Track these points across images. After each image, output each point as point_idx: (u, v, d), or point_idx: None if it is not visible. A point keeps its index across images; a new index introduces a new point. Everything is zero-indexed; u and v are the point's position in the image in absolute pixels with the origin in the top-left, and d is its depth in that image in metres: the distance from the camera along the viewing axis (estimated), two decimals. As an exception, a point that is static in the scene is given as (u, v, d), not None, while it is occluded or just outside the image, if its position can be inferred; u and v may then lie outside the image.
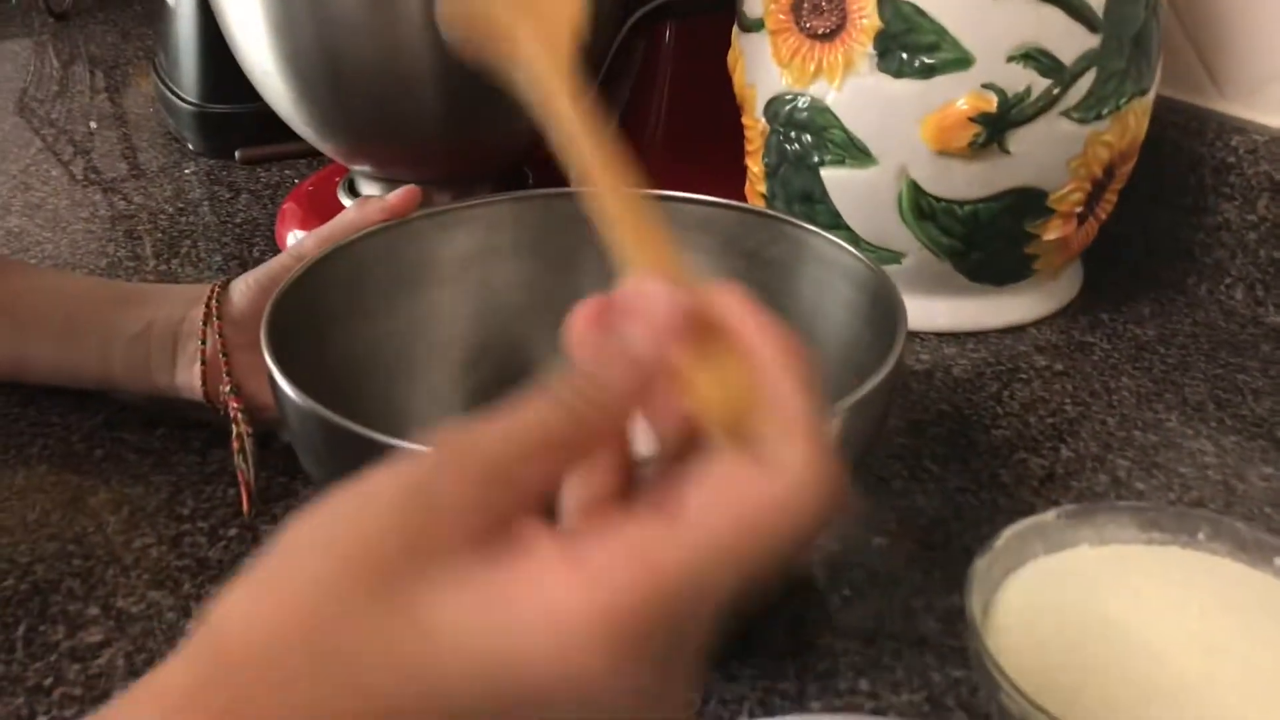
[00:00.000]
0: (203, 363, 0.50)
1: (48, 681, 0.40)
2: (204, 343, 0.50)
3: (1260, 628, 0.36)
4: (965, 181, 0.58)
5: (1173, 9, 0.66)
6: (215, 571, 0.45)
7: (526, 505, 0.23)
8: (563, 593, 0.21)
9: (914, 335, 0.63)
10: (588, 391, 0.23)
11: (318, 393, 0.37)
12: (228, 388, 0.49)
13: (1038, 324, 0.64)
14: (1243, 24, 0.65)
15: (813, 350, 0.25)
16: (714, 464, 0.23)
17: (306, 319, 0.45)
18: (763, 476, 0.23)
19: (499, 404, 0.23)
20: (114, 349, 0.52)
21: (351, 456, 0.35)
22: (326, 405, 0.36)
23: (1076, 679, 0.36)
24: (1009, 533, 0.40)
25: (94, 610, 0.43)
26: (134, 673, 0.41)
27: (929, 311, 0.63)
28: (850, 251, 0.47)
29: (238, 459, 0.48)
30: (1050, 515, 0.41)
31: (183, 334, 0.51)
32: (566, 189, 0.52)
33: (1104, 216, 0.64)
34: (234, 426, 0.49)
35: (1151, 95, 0.60)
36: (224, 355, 0.50)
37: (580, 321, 0.26)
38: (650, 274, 0.26)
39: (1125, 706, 0.35)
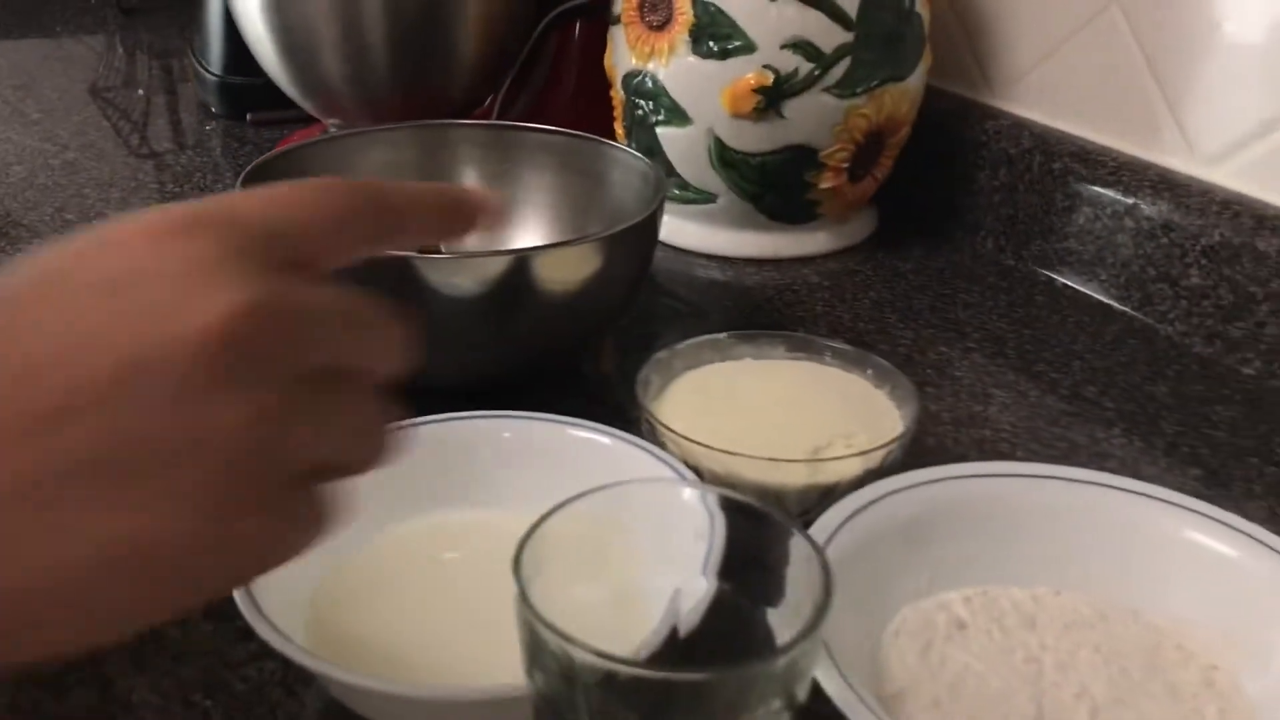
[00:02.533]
0: None
1: None
2: None
3: (807, 388, 0.56)
4: (755, 139, 0.77)
5: (954, 15, 0.86)
6: None
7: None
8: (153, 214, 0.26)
9: (726, 260, 0.83)
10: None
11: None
12: None
13: (825, 256, 0.83)
14: (1003, 30, 0.85)
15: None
16: None
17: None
18: None
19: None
20: None
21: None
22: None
23: (711, 425, 0.55)
24: (689, 341, 0.59)
25: None
26: None
27: (739, 242, 0.83)
28: (639, 158, 0.68)
29: None
30: (723, 335, 0.60)
31: None
32: (457, 121, 0.74)
33: (881, 177, 0.83)
34: None
35: (911, 82, 0.79)
36: None
37: None
38: None
39: (730, 435, 0.54)
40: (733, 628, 0.38)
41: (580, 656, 0.30)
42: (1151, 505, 0.48)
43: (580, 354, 0.66)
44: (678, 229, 0.85)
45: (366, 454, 0.30)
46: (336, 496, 0.29)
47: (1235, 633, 0.44)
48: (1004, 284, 0.80)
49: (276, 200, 0.28)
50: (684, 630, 0.38)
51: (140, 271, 0.25)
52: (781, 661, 0.31)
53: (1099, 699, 0.42)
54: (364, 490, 0.48)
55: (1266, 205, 0.69)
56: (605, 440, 0.50)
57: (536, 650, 0.32)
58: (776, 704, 0.32)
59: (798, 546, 0.35)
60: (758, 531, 0.36)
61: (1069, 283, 0.79)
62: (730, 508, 0.37)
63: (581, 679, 0.31)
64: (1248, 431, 0.63)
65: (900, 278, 0.81)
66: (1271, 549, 0.44)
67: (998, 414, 0.64)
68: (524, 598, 0.31)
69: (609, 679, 0.31)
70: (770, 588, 0.36)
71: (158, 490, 0.24)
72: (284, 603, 0.42)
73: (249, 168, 0.64)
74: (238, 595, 0.40)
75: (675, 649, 0.37)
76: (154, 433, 0.24)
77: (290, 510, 0.28)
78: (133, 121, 1.15)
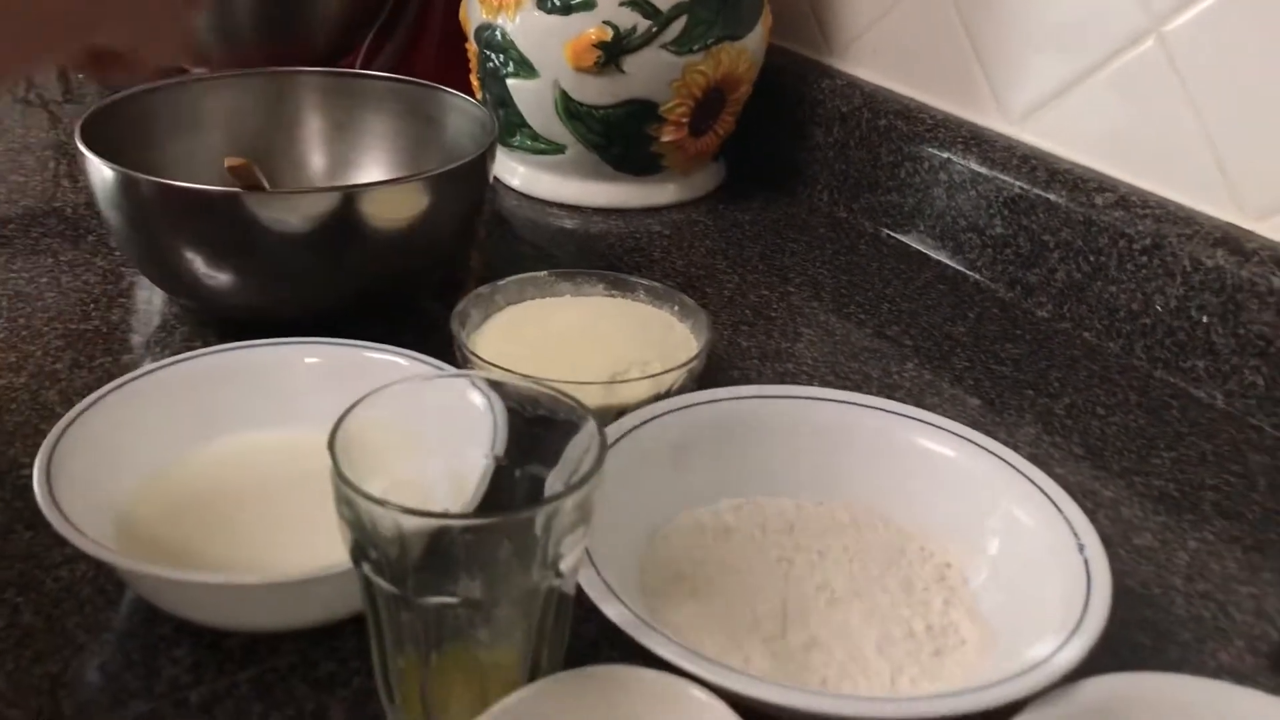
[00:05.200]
0: None
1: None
2: None
3: (614, 321, 0.61)
4: (597, 92, 0.81)
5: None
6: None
7: None
8: None
9: (577, 210, 0.87)
10: None
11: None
12: None
13: (671, 208, 0.88)
14: None
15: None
16: None
17: (127, 132, 0.68)
18: None
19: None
20: None
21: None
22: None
23: (519, 353, 0.59)
24: (511, 279, 0.63)
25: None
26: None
27: (589, 192, 0.87)
28: (475, 104, 0.71)
29: None
30: (544, 273, 0.64)
31: None
32: (301, 68, 0.76)
33: (724, 133, 0.87)
34: None
35: (749, 41, 0.84)
36: None
37: None
38: None
39: (536, 363, 0.58)
40: (516, 497, 0.42)
41: (377, 511, 0.34)
42: (898, 420, 0.53)
43: (418, 289, 0.69)
44: (533, 179, 0.88)
45: None
46: None
47: (958, 521, 0.49)
48: (832, 235, 0.85)
49: None
50: (474, 501, 0.42)
51: None
52: (541, 511, 0.35)
53: (838, 591, 0.47)
54: (175, 411, 0.52)
55: (1059, 160, 0.74)
56: (403, 362, 0.53)
57: (351, 516, 0.36)
58: (540, 561, 0.36)
59: (579, 427, 0.39)
60: (541, 416, 0.41)
61: (891, 233, 0.84)
62: (512, 396, 0.42)
63: (382, 533, 0.35)
64: (1029, 367, 0.68)
65: (737, 228, 0.85)
66: (983, 449, 0.50)
67: (804, 350, 0.69)
68: (338, 470, 0.35)
69: (402, 536, 0.35)
70: (550, 462, 0.41)
71: None
72: (92, 509, 0.45)
73: (91, 110, 0.66)
74: (43, 503, 0.43)
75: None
76: None
77: None
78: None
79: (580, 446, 0.40)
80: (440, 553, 0.37)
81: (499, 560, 0.37)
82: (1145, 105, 0.70)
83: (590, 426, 0.39)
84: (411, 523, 0.35)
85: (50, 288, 0.70)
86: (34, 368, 0.61)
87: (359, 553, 0.37)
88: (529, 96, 0.83)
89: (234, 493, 0.50)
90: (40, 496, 0.44)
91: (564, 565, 0.38)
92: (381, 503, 0.35)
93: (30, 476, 0.45)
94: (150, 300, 0.69)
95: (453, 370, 0.53)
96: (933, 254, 0.81)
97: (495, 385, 0.45)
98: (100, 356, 0.63)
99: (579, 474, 0.38)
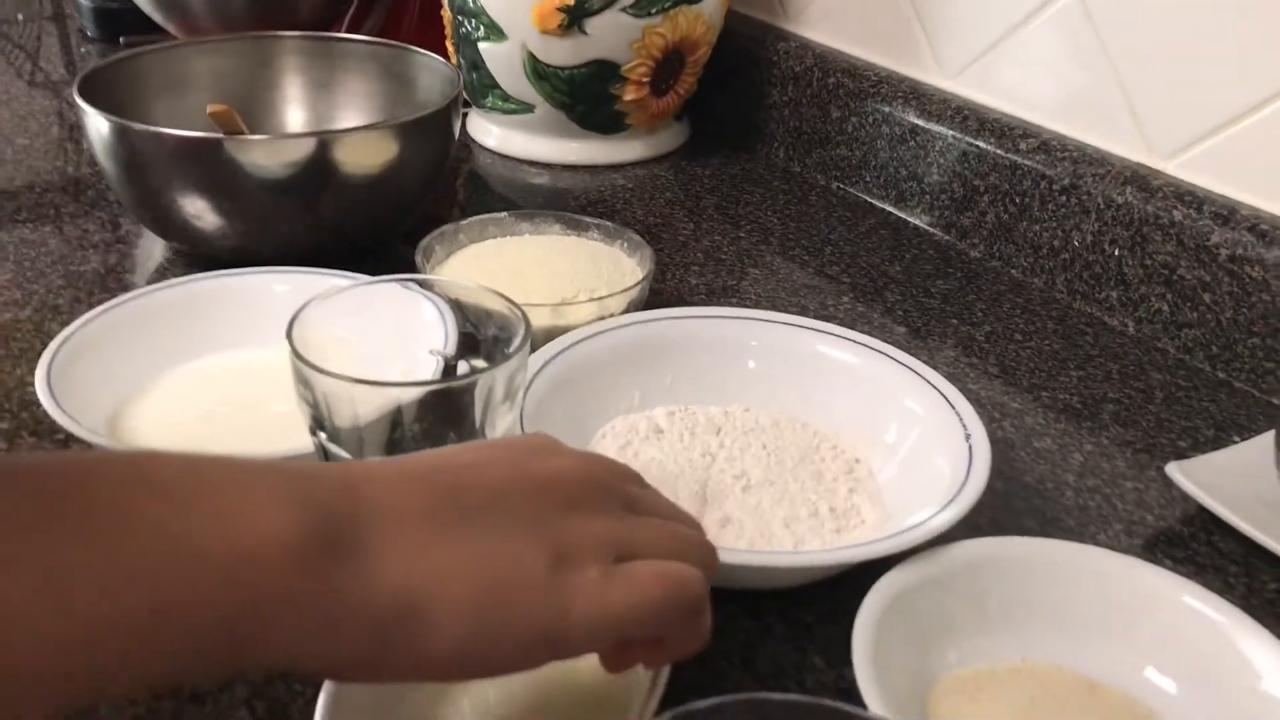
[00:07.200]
0: None
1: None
2: None
3: (566, 255, 0.66)
4: (562, 53, 0.87)
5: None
6: (29, 244, 0.74)
7: None
8: None
9: (547, 166, 0.92)
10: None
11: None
12: None
13: (636, 164, 0.93)
14: (795, -33, 0.95)
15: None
16: None
17: (121, 92, 0.73)
18: None
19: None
20: None
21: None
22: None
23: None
24: (473, 218, 0.69)
25: None
26: (-33, 280, 0.69)
27: (559, 149, 0.92)
28: (443, 63, 0.77)
29: None
30: (505, 214, 0.70)
31: None
32: (284, 32, 0.82)
33: (684, 92, 0.93)
34: None
35: (706, 5, 0.89)
36: None
37: None
38: None
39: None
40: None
41: (329, 383, 0.40)
42: (810, 335, 0.58)
43: (389, 234, 0.75)
44: (505, 138, 0.94)
45: (687, 556, 0.36)
46: (663, 573, 0.34)
47: (865, 420, 0.55)
48: (785, 187, 0.90)
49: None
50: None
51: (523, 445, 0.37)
52: (478, 380, 0.42)
53: (754, 480, 0.53)
54: (160, 332, 0.58)
55: (989, 110, 0.79)
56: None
57: (309, 395, 0.42)
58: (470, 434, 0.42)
59: (515, 327, 0.45)
60: (487, 313, 0.47)
61: (841, 185, 0.90)
62: (459, 298, 0.48)
63: (336, 408, 0.41)
64: (957, 300, 0.74)
65: (696, 182, 0.91)
66: (883, 354, 0.56)
67: (749, 286, 0.74)
68: (295, 352, 0.41)
69: (355, 411, 0.41)
70: (495, 354, 0.47)
71: (518, 531, 0.32)
72: (87, 411, 0.51)
73: (85, 71, 0.72)
74: (45, 399, 0.49)
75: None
76: (512, 491, 0.33)
77: (612, 575, 0.33)
78: (26, 51, 1.21)
79: (515, 342, 0.46)
80: (392, 448, 0.43)
81: (446, 442, 0.43)
82: (1066, 56, 0.75)
83: (519, 315, 0.45)
84: (362, 391, 0.41)
85: (53, 235, 0.76)
86: (38, 303, 0.67)
87: (316, 425, 0.43)
88: (499, 58, 0.89)
89: (212, 405, 0.56)
90: (42, 393, 0.50)
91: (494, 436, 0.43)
92: (335, 375, 0.41)
93: (34, 390, 0.51)
94: (144, 245, 0.75)
95: (403, 275, 0.59)
96: (877, 203, 0.87)
97: (443, 289, 0.50)
98: (99, 293, 0.69)
99: (508, 352, 0.43)
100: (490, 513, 0.32)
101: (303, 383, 0.42)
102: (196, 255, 0.72)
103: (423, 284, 0.50)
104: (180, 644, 0.27)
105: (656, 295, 0.70)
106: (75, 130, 0.94)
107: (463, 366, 0.50)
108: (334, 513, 0.30)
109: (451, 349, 0.50)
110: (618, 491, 0.36)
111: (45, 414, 0.50)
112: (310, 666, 0.30)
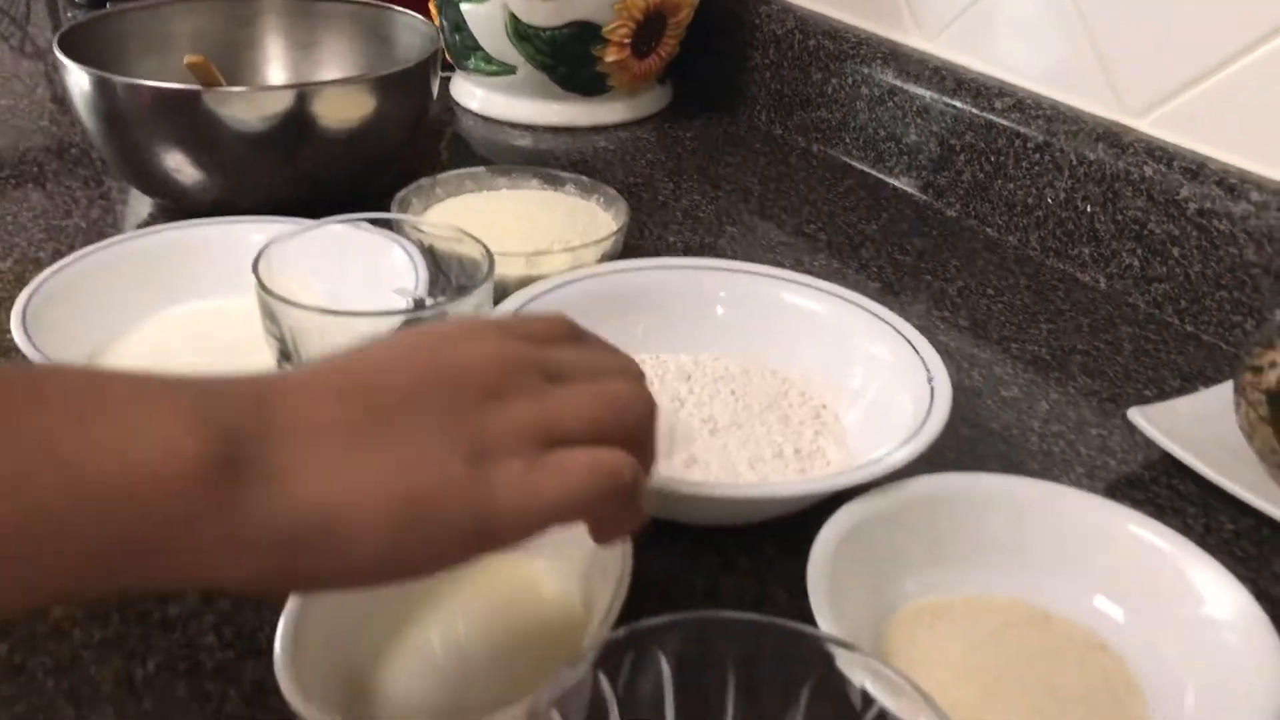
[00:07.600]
0: None
1: None
2: None
3: (543, 207, 0.67)
4: (544, 14, 0.87)
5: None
6: (12, 200, 0.75)
7: None
8: None
9: (529, 128, 0.93)
10: None
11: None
12: None
13: (618, 126, 0.94)
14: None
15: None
16: None
17: (103, 50, 0.74)
18: None
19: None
20: None
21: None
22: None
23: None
24: (451, 172, 0.69)
25: None
26: None
27: (541, 111, 0.93)
28: (422, 20, 0.78)
29: None
30: (482, 169, 0.70)
31: None
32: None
33: (666, 55, 0.93)
34: None
35: (686, -31, 0.90)
36: None
37: None
38: None
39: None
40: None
41: (296, 314, 0.41)
42: (779, 284, 0.59)
43: (368, 188, 0.75)
44: (488, 100, 0.94)
45: (624, 418, 0.35)
46: (592, 463, 0.33)
47: (833, 367, 0.56)
48: (766, 149, 0.91)
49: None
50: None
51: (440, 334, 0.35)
52: (441, 311, 0.42)
53: (721, 423, 0.54)
54: (137, 279, 0.59)
55: (966, 70, 0.80)
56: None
57: (275, 330, 0.42)
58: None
59: (481, 266, 0.46)
60: (458, 260, 0.48)
61: (822, 147, 0.90)
62: (430, 240, 0.49)
63: (304, 342, 0.42)
64: (931, 258, 0.74)
65: (678, 144, 0.91)
66: (850, 301, 0.56)
67: (725, 244, 0.75)
68: (261, 285, 0.42)
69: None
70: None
71: (433, 431, 0.31)
72: (61, 356, 0.52)
73: (64, 28, 0.72)
74: (21, 341, 0.50)
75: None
76: (424, 389, 0.32)
77: (539, 465, 0.32)
78: (15, 21, 1.21)
79: (479, 275, 0.47)
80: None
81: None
82: (1041, 16, 0.76)
83: (485, 252, 0.45)
84: (330, 323, 0.41)
85: (36, 190, 0.76)
86: (19, 254, 0.68)
87: (284, 360, 0.44)
88: (481, 20, 0.89)
89: (188, 351, 0.57)
90: (17, 334, 0.50)
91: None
92: (303, 307, 0.41)
93: (13, 337, 0.52)
94: (128, 202, 0.76)
95: (371, 213, 0.59)
96: (857, 164, 0.87)
97: (412, 229, 0.51)
98: (80, 247, 0.69)
99: (472, 284, 0.44)
100: (403, 415, 0.31)
101: (269, 317, 0.43)
102: (179, 210, 0.72)
103: (392, 225, 0.50)
104: (63, 559, 0.26)
105: (634, 252, 0.70)
106: (61, 91, 0.95)
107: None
108: (240, 432, 0.29)
109: (422, 290, 0.51)
110: (538, 364, 0.35)
111: (24, 359, 0.51)
112: (217, 584, 0.30)
